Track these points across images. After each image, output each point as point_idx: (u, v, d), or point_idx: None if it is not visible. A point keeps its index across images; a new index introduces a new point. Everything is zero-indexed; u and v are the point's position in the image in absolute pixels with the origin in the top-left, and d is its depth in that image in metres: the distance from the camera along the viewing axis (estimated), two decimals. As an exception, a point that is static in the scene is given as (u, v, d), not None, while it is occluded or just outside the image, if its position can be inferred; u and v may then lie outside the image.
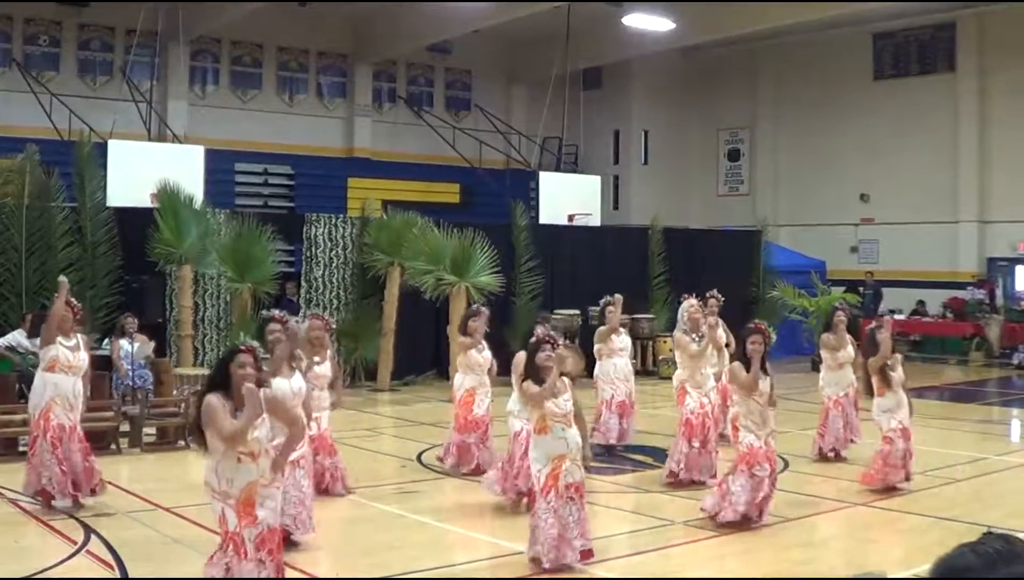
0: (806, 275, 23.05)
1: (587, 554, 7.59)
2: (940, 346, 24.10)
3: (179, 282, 16.55)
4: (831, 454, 11.82)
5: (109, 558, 7.64)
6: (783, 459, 11.57)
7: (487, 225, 19.71)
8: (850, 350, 12.13)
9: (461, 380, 11.11)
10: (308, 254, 18.49)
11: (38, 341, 13.48)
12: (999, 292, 24.48)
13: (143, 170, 17.08)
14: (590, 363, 12.49)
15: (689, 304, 11.27)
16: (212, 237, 16.84)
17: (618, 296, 12.71)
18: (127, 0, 21.83)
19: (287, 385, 7.91)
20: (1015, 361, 22.36)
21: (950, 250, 25.47)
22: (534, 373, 7.64)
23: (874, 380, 10.14)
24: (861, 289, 24.72)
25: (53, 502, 9.07)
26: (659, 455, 12.10)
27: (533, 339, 7.91)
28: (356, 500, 9.84)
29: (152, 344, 14.60)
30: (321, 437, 9.64)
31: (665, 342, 20.39)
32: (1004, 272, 25.21)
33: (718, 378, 11.26)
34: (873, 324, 10.76)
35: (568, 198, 22.30)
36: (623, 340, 12.66)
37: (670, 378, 19.52)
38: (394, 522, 9.07)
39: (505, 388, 10.44)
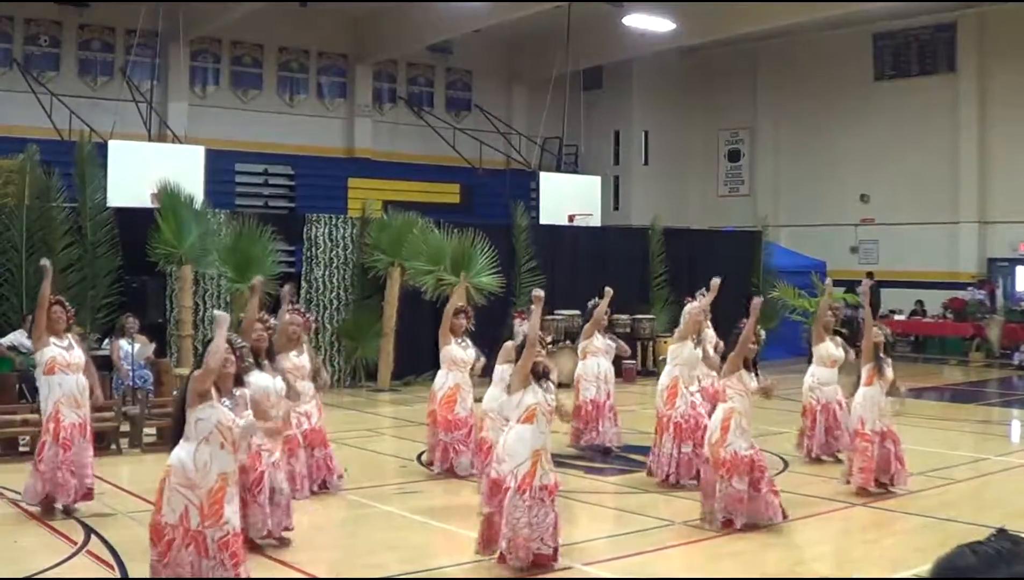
0: (806, 276, 23.04)
1: (544, 558, 7.34)
2: (940, 347, 24.11)
3: (179, 282, 16.55)
4: (825, 457, 11.75)
5: (109, 558, 7.64)
6: (783, 459, 11.58)
7: (487, 225, 19.71)
8: (840, 351, 12.04)
9: (444, 378, 10.90)
10: (308, 254, 18.50)
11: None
12: (999, 293, 24.49)
13: (143, 170, 17.08)
14: None
15: (691, 306, 11.23)
16: (212, 237, 16.83)
17: (608, 290, 12.54)
18: (127, 0, 21.84)
19: (269, 382, 8.01)
20: (1015, 362, 22.36)
21: (950, 251, 25.47)
22: (532, 367, 7.55)
23: (864, 368, 10.06)
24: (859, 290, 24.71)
25: (55, 504, 9.03)
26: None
27: (521, 338, 7.82)
28: (356, 500, 9.84)
29: (152, 344, 14.59)
30: (314, 431, 9.66)
31: (665, 343, 20.38)
32: (1004, 273, 25.22)
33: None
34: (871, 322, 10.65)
35: (568, 198, 22.30)
36: (609, 342, 12.56)
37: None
38: (394, 522, 9.07)
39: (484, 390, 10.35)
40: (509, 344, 9.44)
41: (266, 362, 8.34)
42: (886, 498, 9.84)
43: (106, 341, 14.68)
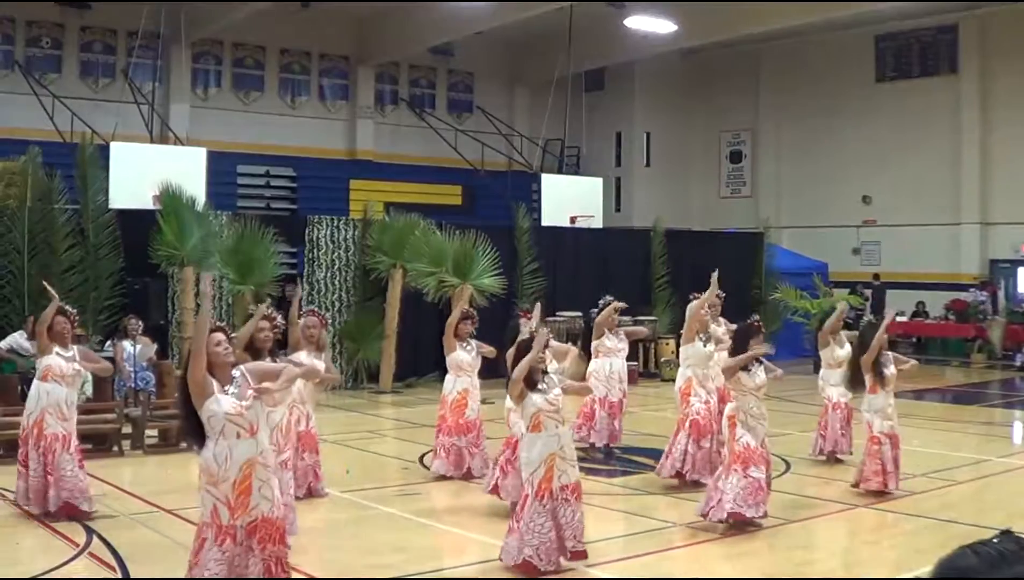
0: (808, 277, 23.04)
1: (578, 555, 7.45)
2: (942, 348, 24.10)
3: (181, 284, 16.56)
4: (828, 456, 11.77)
5: (111, 560, 7.64)
6: (785, 461, 11.58)
7: (489, 227, 19.72)
8: (848, 348, 12.07)
9: (452, 383, 10.99)
10: (310, 256, 18.51)
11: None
12: (1001, 294, 24.47)
13: (145, 172, 17.08)
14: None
15: (692, 308, 11.25)
16: (214, 239, 16.84)
17: (609, 299, 12.62)
18: (129, 1, 21.86)
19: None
20: (1017, 363, 22.35)
21: (952, 252, 25.46)
22: (528, 373, 7.52)
23: (867, 377, 10.08)
24: (866, 290, 24.76)
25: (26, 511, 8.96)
26: (659, 457, 12.10)
27: (525, 338, 7.79)
28: (358, 501, 9.84)
29: (154, 346, 14.61)
30: (308, 434, 9.64)
31: (667, 344, 20.39)
32: (1006, 274, 25.21)
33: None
34: (870, 319, 10.72)
35: (570, 200, 22.29)
36: (620, 342, 12.59)
37: (672, 380, 19.68)
38: (396, 523, 9.07)
39: (496, 390, 10.41)
40: (510, 354, 9.47)
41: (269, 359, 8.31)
42: (887, 500, 9.83)
43: (108, 343, 14.70)
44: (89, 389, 12.63)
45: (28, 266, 15.59)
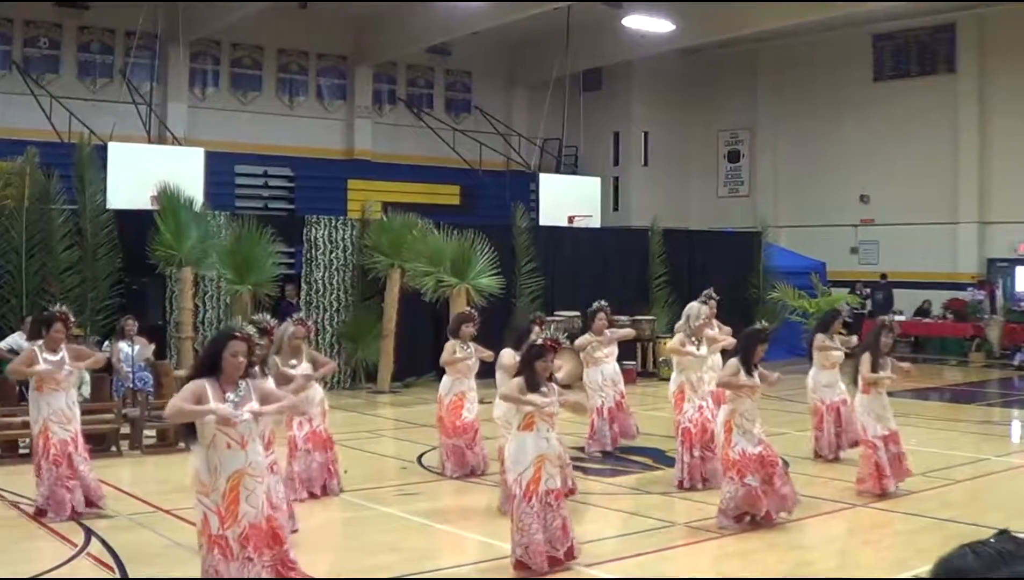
0: (806, 276, 23.05)
1: (557, 561, 7.39)
2: (940, 347, 24.11)
3: (179, 284, 16.55)
4: (830, 456, 11.80)
5: (109, 560, 7.64)
6: (784, 460, 11.57)
7: (487, 227, 19.72)
8: (840, 353, 12.12)
9: (449, 385, 11.02)
10: (308, 256, 18.50)
11: (38, 344, 13.56)
12: (999, 293, 24.48)
13: (143, 172, 17.08)
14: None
15: (705, 312, 11.13)
16: (212, 239, 16.84)
17: (604, 306, 12.65)
18: (127, 1, 21.85)
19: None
20: (1016, 362, 22.36)
21: (950, 251, 25.47)
22: (531, 377, 7.51)
23: (862, 378, 10.10)
24: (866, 289, 24.80)
25: (46, 519, 8.98)
26: (660, 456, 12.12)
27: (537, 343, 7.75)
28: (356, 501, 9.84)
29: (152, 346, 14.60)
30: (315, 434, 9.66)
31: (665, 343, 20.38)
32: (1004, 273, 25.22)
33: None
34: (884, 320, 10.70)
35: (568, 200, 22.31)
36: (608, 348, 12.58)
37: (669, 378, 19.72)
38: (394, 523, 9.06)
39: (491, 390, 10.39)
40: (506, 354, 9.47)
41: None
42: (887, 499, 9.84)
43: (106, 343, 14.68)
44: (87, 390, 12.62)
45: (26, 266, 15.59)
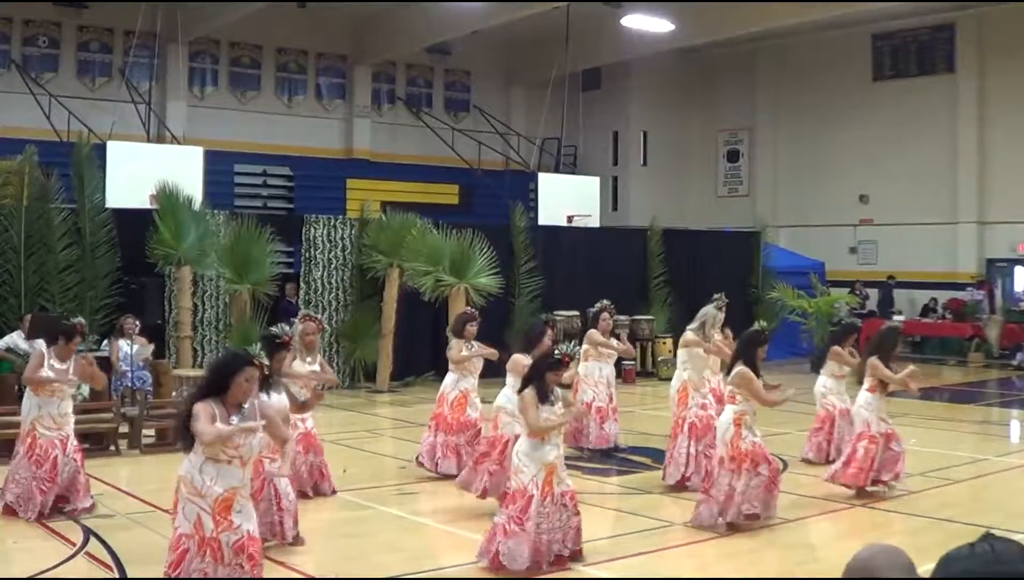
0: (805, 276, 23.05)
1: (563, 560, 7.56)
2: (940, 347, 24.10)
3: (178, 283, 16.54)
4: (824, 459, 11.79)
5: (108, 560, 7.63)
6: (783, 460, 11.57)
7: (486, 226, 19.71)
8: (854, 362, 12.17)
9: (454, 382, 11.02)
10: (307, 255, 18.49)
11: (37, 343, 13.54)
12: (998, 293, 24.49)
13: (142, 171, 17.06)
14: None
15: (720, 319, 11.11)
16: (211, 238, 16.82)
17: (609, 305, 12.74)
18: (126, 0, 21.84)
19: (281, 400, 7.93)
20: (1016, 361, 22.37)
21: (949, 251, 25.47)
22: (541, 387, 7.61)
23: (871, 377, 10.12)
24: (865, 289, 24.82)
25: (17, 516, 8.94)
26: (659, 456, 12.10)
27: (554, 356, 7.78)
28: (355, 501, 9.83)
29: (151, 346, 14.59)
30: (307, 435, 9.66)
31: (664, 343, 20.40)
32: (1003, 273, 25.22)
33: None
34: (896, 324, 10.87)
35: (567, 199, 22.30)
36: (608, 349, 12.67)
37: (669, 379, 19.71)
38: (393, 523, 9.06)
39: (491, 390, 10.42)
40: (518, 357, 9.50)
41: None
42: (886, 499, 9.85)
43: (105, 342, 14.67)
44: (86, 390, 12.60)
45: (25, 265, 15.58)
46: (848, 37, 26.75)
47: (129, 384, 13.76)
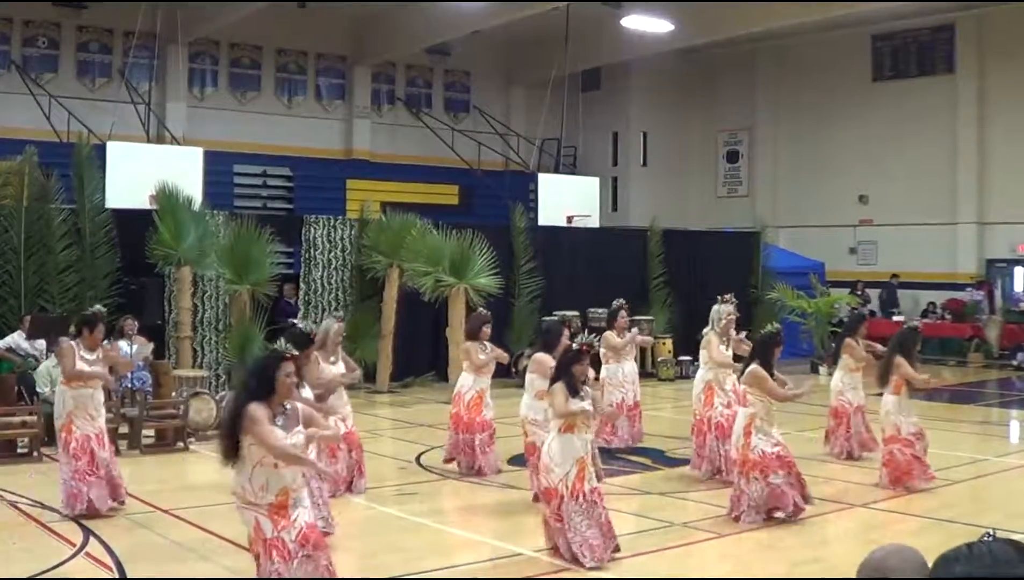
0: (805, 276, 23.05)
1: (614, 549, 7.80)
2: (939, 347, 24.09)
3: (178, 284, 16.54)
4: (849, 455, 11.95)
5: (108, 560, 7.64)
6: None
7: (486, 227, 19.72)
8: (867, 355, 12.33)
9: (470, 382, 11.12)
10: (307, 256, 18.49)
11: (38, 343, 13.58)
12: (998, 293, 24.48)
13: (142, 172, 17.06)
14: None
15: (727, 311, 11.25)
16: (211, 239, 16.82)
17: (625, 303, 12.98)
18: (126, 1, 21.84)
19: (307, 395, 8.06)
20: (1016, 362, 22.36)
21: (949, 251, 25.46)
22: (569, 381, 7.71)
23: (896, 377, 10.20)
24: (866, 290, 24.80)
25: (64, 512, 9.04)
26: (659, 457, 12.13)
27: (574, 349, 7.93)
28: (355, 502, 9.83)
29: (151, 346, 14.58)
30: (350, 434, 9.74)
31: (664, 344, 20.40)
32: (1003, 273, 25.21)
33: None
34: (916, 324, 11.04)
35: (567, 199, 22.30)
36: (628, 346, 12.81)
37: (669, 379, 19.78)
38: (393, 524, 9.06)
39: (503, 390, 10.49)
40: (542, 357, 9.56)
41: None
42: (887, 499, 9.86)
43: (105, 342, 14.64)
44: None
45: (25, 266, 15.57)
46: (848, 37, 26.75)
47: (129, 384, 13.75)
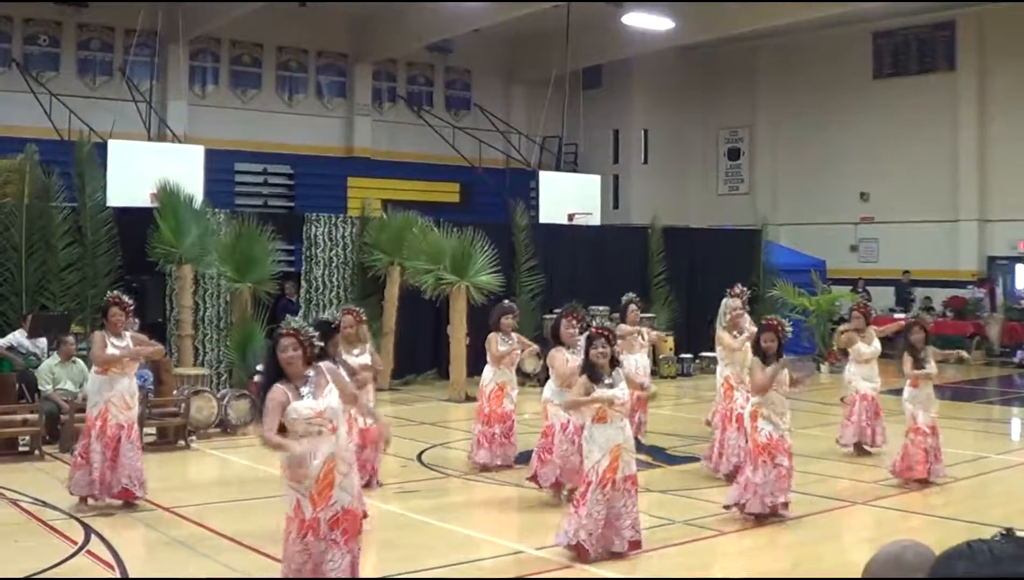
0: (806, 274, 23.04)
1: (635, 544, 7.77)
2: (940, 345, 24.04)
3: (179, 282, 16.53)
4: (850, 447, 11.99)
5: (110, 558, 7.64)
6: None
7: (487, 224, 19.69)
8: (877, 345, 12.40)
9: (490, 375, 11.32)
10: (308, 254, 18.49)
11: (39, 341, 13.59)
12: (999, 291, 24.48)
13: (143, 170, 17.05)
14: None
15: (734, 306, 11.29)
16: (212, 237, 16.80)
17: (635, 297, 13.04)
18: (127, 0, 21.84)
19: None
20: (1017, 359, 22.35)
21: (950, 249, 25.46)
22: (590, 369, 7.78)
23: (908, 373, 10.36)
24: (867, 288, 24.80)
25: (90, 501, 9.11)
26: (659, 454, 12.13)
27: (587, 334, 8.02)
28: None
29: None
30: (367, 431, 9.74)
31: (665, 341, 20.38)
32: (1004, 271, 25.21)
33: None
34: (910, 320, 11.13)
35: (568, 197, 22.29)
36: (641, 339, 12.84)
37: (670, 376, 19.79)
38: (395, 521, 9.06)
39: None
40: (553, 352, 9.70)
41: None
42: (887, 497, 9.86)
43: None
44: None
45: (26, 264, 15.58)
46: (849, 35, 26.74)
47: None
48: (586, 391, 7.72)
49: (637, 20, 24.28)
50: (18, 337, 13.66)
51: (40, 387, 12.37)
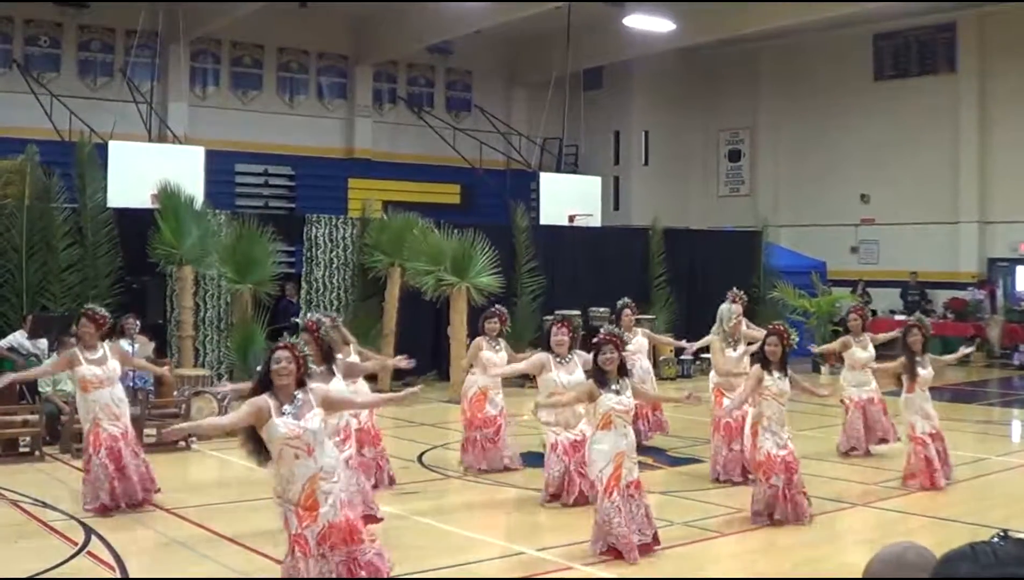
0: (806, 275, 23.03)
1: (645, 548, 7.81)
2: (941, 347, 24.04)
3: (180, 283, 16.54)
4: (851, 452, 12.02)
5: (110, 559, 7.64)
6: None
7: (488, 226, 19.69)
8: (871, 350, 12.37)
9: (474, 380, 11.29)
10: (308, 255, 18.50)
11: (39, 342, 13.59)
12: (1000, 293, 24.46)
13: (143, 171, 17.06)
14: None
15: (737, 312, 11.25)
16: (213, 238, 16.82)
17: (630, 302, 12.95)
18: (127, 1, 21.84)
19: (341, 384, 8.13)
20: (1016, 362, 22.34)
21: (951, 251, 25.46)
22: (599, 375, 7.84)
23: (904, 378, 10.31)
24: (868, 289, 24.80)
25: (110, 514, 9.06)
26: (659, 455, 12.12)
27: (595, 339, 8.04)
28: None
29: (152, 345, 14.60)
30: (363, 430, 9.76)
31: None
32: (1004, 273, 25.20)
33: None
34: (912, 321, 11.11)
35: (568, 199, 22.28)
36: (637, 342, 12.77)
37: (671, 378, 19.77)
38: (395, 523, 9.05)
39: (516, 389, 10.56)
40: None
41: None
42: (887, 499, 9.86)
43: (107, 342, 14.64)
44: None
45: (27, 265, 15.58)
46: (849, 37, 26.74)
47: (130, 384, 13.73)
48: (591, 396, 7.77)
49: (638, 22, 24.28)
50: (19, 338, 13.66)
51: (40, 388, 12.38)
